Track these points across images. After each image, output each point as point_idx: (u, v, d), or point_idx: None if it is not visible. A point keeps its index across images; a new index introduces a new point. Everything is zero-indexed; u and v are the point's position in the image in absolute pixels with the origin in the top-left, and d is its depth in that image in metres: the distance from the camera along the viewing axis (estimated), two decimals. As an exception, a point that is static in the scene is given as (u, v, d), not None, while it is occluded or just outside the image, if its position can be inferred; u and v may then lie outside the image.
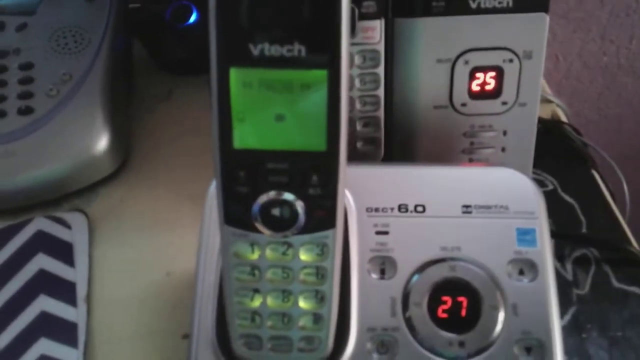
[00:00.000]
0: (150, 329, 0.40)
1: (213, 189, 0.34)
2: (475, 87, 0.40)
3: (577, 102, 0.82)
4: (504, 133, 0.41)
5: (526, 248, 0.32)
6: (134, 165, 0.51)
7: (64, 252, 0.43)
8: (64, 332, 0.39)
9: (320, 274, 0.28)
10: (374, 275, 0.32)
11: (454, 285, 0.32)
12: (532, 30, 0.38)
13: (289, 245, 0.27)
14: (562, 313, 0.36)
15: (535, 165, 0.43)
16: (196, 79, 0.56)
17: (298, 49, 0.24)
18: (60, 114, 0.47)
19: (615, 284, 0.42)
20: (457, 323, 0.31)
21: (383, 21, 0.39)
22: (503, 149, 0.42)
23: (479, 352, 0.31)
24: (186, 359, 0.32)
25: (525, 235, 0.32)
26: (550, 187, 0.48)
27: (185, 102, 0.56)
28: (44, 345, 0.38)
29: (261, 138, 0.25)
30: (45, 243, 0.43)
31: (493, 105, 0.40)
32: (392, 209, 0.33)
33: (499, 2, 0.38)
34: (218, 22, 0.24)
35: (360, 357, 0.31)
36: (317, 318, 0.29)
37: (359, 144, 0.42)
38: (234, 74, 0.24)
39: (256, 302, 0.29)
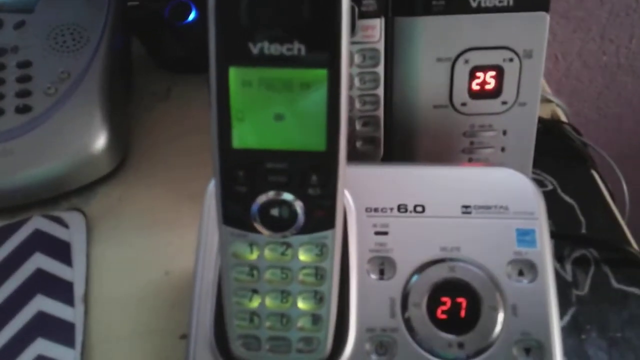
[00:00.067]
0: (148, 329, 0.40)
1: (212, 188, 0.34)
2: (475, 86, 0.40)
3: (577, 102, 0.82)
4: (504, 133, 0.41)
5: (526, 249, 0.32)
6: (133, 164, 0.50)
7: (61, 251, 0.43)
8: (61, 332, 0.39)
9: (319, 274, 0.28)
10: (373, 276, 0.32)
11: (453, 285, 0.32)
12: (533, 30, 0.38)
13: (288, 245, 0.27)
14: (562, 314, 0.36)
15: (534, 165, 0.43)
16: (195, 77, 0.56)
17: (298, 48, 0.23)
18: (58, 112, 0.47)
19: (615, 284, 0.42)
20: (456, 324, 0.31)
21: (383, 20, 0.39)
22: (503, 149, 0.41)
23: (478, 353, 0.31)
24: (184, 359, 0.32)
25: (525, 236, 0.32)
26: (550, 187, 0.48)
27: (184, 100, 0.55)
28: (41, 345, 0.38)
29: (260, 137, 0.25)
30: (43, 242, 0.43)
31: (493, 104, 0.40)
32: (391, 209, 0.33)
33: (500, 1, 0.37)
34: (217, 21, 0.23)
35: (359, 357, 0.31)
36: (316, 319, 0.29)
37: (358, 144, 0.42)
38: (234, 73, 0.24)
39: (255, 303, 0.29)
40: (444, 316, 0.31)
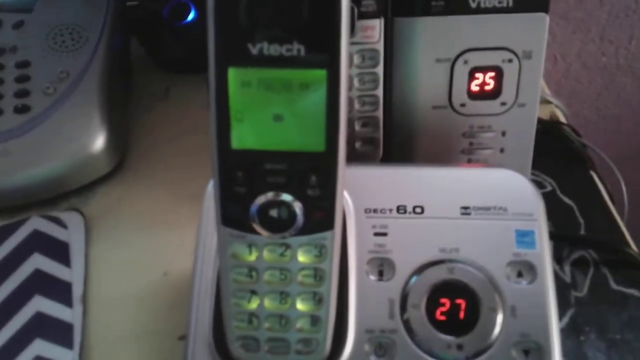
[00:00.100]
0: (146, 329, 0.40)
1: (211, 189, 0.33)
2: (474, 87, 0.40)
3: (576, 103, 0.82)
4: (503, 134, 0.41)
5: (525, 250, 0.32)
6: (132, 164, 0.50)
7: (59, 252, 0.43)
8: (59, 332, 0.39)
9: (318, 275, 0.28)
10: (372, 277, 0.32)
11: (452, 287, 0.31)
12: (532, 31, 0.38)
13: (287, 246, 0.27)
14: (561, 315, 0.36)
15: (534, 166, 0.43)
16: (194, 77, 0.56)
17: (297, 49, 0.23)
18: (57, 112, 0.47)
19: (614, 286, 0.42)
20: (455, 325, 0.31)
21: (382, 20, 0.39)
22: (502, 150, 0.41)
23: (477, 354, 0.31)
24: (183, 360, 0.32)
25: (524, 237, 0.32)
26: (549, 188, 0.48)
27: (183, 100, 0.55)
28: (39, 346, 0.38)
29: (259, 138, 0.25)
30: (41, 243, 0.43)
31: (492, 105, 0.40)
32: (390, 210, 0.33)
33: (499, 2, 0.37)
34: (216, 21, 0.23)
35: (358, 359, 0.31)
36: (315, 320, 0.29)
37: (357, 144, 0.42)
38: (233, 73, 0.24)
39: (253, 304, 0.29)
40: (443, 317, 0.31)
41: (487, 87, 0.40)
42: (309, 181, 0.26)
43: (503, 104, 0.40)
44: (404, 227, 0.33)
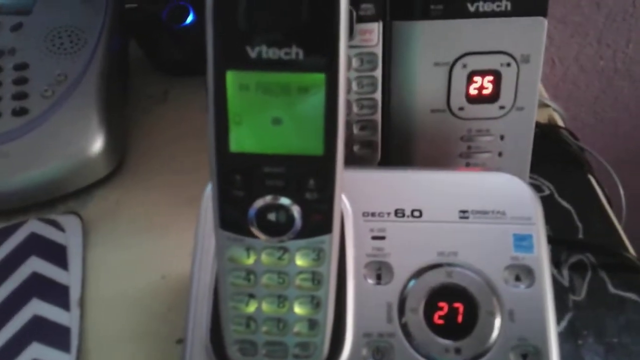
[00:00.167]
0: (144, 333, 0.40)
1: (209, 192, 0.33)
2: (472, 91, 0.40)
3: (574, 106, 0.82)
4: (501, 137, 0.41)
5: (523, 254, 0.32)
6: (130, 167, 0.50)
7: (57, 255, 0.43)
8: (56, 336, 0.39)
9: (316, 279, 0.28)
10: (370, 281, 0.32)
11: (450, 291, 0.31)
12: (530, 34, 0.38)
13: (285, 250, 0.27)
14: (559, 319, 0.36)
15: (532, 170, 0.43)
16: (192, 80, 0.56)
17: (296, 52, 0.23)
18: (55, 115, 0.47)
19: (612, 290, 0.42)
20: (453, 329, 0.31)
21: (381, 24, 0.39)
22: (500, 154, 0.41)
23: (475, 358, 0.31)
24: (180, 363, 0.32)
25: (522, 241, 0.32)
26: (547, 192, 0.48)
27: (181, 103, 0.55)
28: (36, 349, 0.38)
29: (258, 141, 0.25)
30: (39, 246, 0.43)
31: (490, 109, 0.40)
32: (388, 213, 0.33)
33: (497, 6, 0.37)
34: (215, 24, 0.23)
35: (355, 363, 0.31)
36: (313, 324, 0.29)
37: (355, 148, 0.42)
38: (231, 76, 0.24)
39: (251, 308, 0.29)
40: (441, 321, 0.31)
41: (485, 91, 0.40)
42: (307, 185, 0.26)
43: (501, 107, 0.40)
44: (402, 230, 0.32)
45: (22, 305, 0.40)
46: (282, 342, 0.29)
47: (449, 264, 0.32)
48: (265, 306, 0.29)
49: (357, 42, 0.39)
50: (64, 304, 0.40)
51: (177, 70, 0.57)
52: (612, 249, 0.44)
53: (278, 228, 0.26)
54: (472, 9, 0.38)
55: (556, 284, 0.41)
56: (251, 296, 0.28)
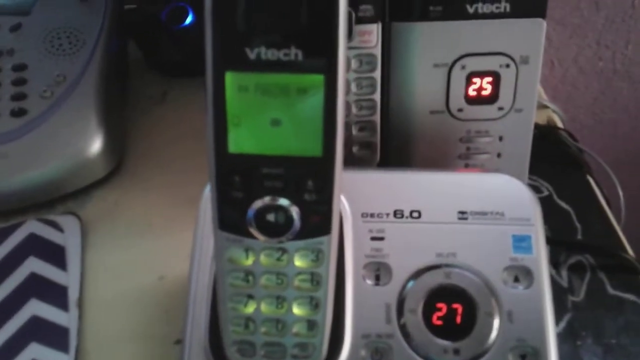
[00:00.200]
0: (142, 334, 0.39)
1: (207, 193, 0.33)
2: (471, 92, 0.40)
3: (573, 108, 0.82)
4: (500, 139, 0.41)
5: (522, 255, 0.32)
6: (129, 168, 0.50)
7: (56, 255, 0.43)
8: (55, 336, 0.39)
9: (315, 280, 0.28)
10: (369, 281, 0.32)
11: (449, 292, 0.31)
12: (529, 36, 0.38)
13: (284, 251, 0.27)
14: (557, 320, 0.36)
15: (530, 171, 0.43)
16: (191, 81, 0.56)
17: (295, 53, 0.23)
18: (54, 115, 0.47)
19: (610, 291, 0.42)
20: (452, 330, 0.31)
21: (380, 25, 0.39)
22: (499, 155, 0.41)
23: (473, 359, 0.31)
24: (179, 364, 0.32)
25: (521, 242, 0.32)
26: (546, 193, 0.48)
27: (180, 104, 0.55)
28: (34, 350, 0.38)
29: (257, 143, 0.25)
30: (37, 246, 0.43)
31: (489, 110, 0.40)
32: (387, 214, 0.33)
33: (497, 8, 0.37)
34: (214, 25, 0.23)
35: (354, 364, 0.31)
36: (312, 324, 0.29)
37: (354, 149, 0.42)
38: (230, 77, 0.24)
39: (250, 308, 0.29)
40: (439, 322, 0.31)
41: (484, 92, 0.40)
42: (306, 186, 0.26)
43: (500, 109, 0.40)
44: (400, 231, 0.33)
45: (21, 305, 0.40)
46: (281, 342, 0.29)
47: (448, 265, 0.32)
48: (264, 307, 0.29)
49: (356, 43, 0.39)
50: (63, 305, 0.40)
51: (176, 71, 0.57)
52: (611, 250, 0.44)
53: (277, 229, 0.26)
54: (471, 10, 0.38)
55: (555, 284, 0.41)
56: (250, 297, 0.28)
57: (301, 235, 0.27)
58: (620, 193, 0.53)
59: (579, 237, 0.45)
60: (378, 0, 0.38)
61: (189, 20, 0.53)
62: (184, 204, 0.46)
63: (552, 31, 0.74)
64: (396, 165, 0.42)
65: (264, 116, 0.25)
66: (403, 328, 0.31)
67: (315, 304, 0.29)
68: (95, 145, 0.47)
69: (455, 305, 0.31)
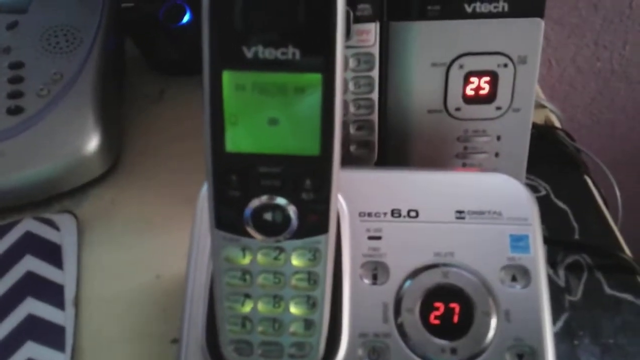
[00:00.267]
0: (139, 333, 0.39)
1: (205, 191, 0.33)
2: (469, 91, 0.40)
3: (570, 107, 0.82)
4: (498, 138, 0.41)
5: (519, 254, 0.32)
6: (125, 166, 0.50)
7: (52, 254, 0.42)
8: (51, 335, 0.38)
9: (312, 279, 0.28)
10: (366, 281, 0.32)
11: (446, 291, 0.31)
12: (527, 36, 0.38)
13: (281, 250, 0.27)
14: (555, 319, 0.36)
15: (528, 171, 0.43)
16: (189, 79, 0.56)
17: (292, 52, 0.23)
18: (50, 113, 0.47)
19: (608, 290, 0.42)
20: (449, 329, 0.31)
21: (378, 24, 0.39)
22: (497, 154, 0.41)
23: (471, 358, 0.31)
24: (175, 364, 0.31)
25: (519, 242, 0.32)
26: (543, 192, 0.48)
27: (177, 103, 0.55)
28: (30, 348, 0.38)
29: (254, 141, 0.25)
30: (34, 245, 0.43)
31: (487, 110, 0.40)
32: (385, 213, 0.33)
33: (495, 7, 0.37)
34: (211, 24, 0.23)
35: (351, 363, 0.31)
36: (309, 324, 0.29)
37: (352, 148, 0.42)
38: (227, 76, 0.24)
39: (247, 308, 0.29)
40: (437, 322, 0.31)
41: (482, 92, 0.40)
42: (304, 185, 0.26)
43: (498, 108, 0.40)
44: (398, 230, 0.32)
45: (17, 304, 0.40)
46: (278, 342, 0.29)
47: (445, 264, 0.32)
48: (261, 306, 0.29)
49: (354, 42, 0.39)
50: (59, 303, 0.40)
51: (174, 69, 0.57)
52: (608, 249, 0.44)
53: (274, 228, 0.26)
54: (469, 9, 0.38)
55: (552, 284, 0.41)
56: (247, 296, 0.28)
57: (298, 234, 0.27)
58: (618, 193, 0.53)
59: (577, 236, 0.46)
60: (376, -1, 0.38)
61: (186, 18, 0.53)
62: (181, 202, 0.45)
63: (550, 31, 0.74)
64: (394, 165, 0.42)
65: (262, 115, 0.24)
66: (400, 327, 0.31)
67: (312, 303, 0.29)
68: (92, 143, 0.47)
69: (452, 305, 0.31)
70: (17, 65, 0.49)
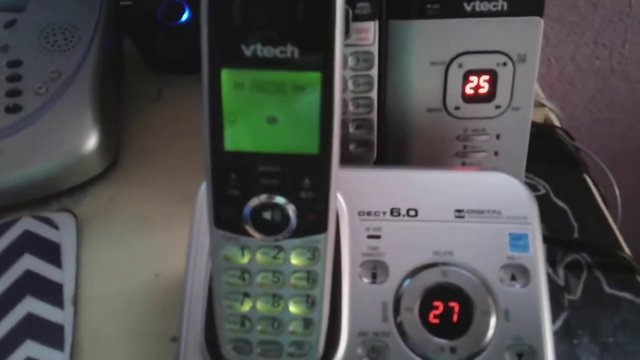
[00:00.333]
0: (138, 331, 0.39)
1: (203, 190, 0.33)
2: (468, 90, 0.40)
3: (569, 106, 0.82)
4: (497, 137, 0.41)
5: (518, 253, 0.32)
6: (124, 165, 0.50)
7: (51, 252, 0.42)
8: (50, 334, 0.38)
9: (311, 278, 0.28)
10: (366, 280, 0.32)
11: (445, 290, 0.31)
12: (527, 34, 0.38)
13: (280, 249, 0.27)
14: (554, 318, 0.36)
15: (527, 170, 0.43)
16: (187, 78, 0.56)
17: (291, 51, 0.23)
18: (49, 112, 0.47)
19: (607, 289, 0.42)
20: (448, 328, 0.31)
21: (377, 23, 0.39)
22: (496, 153, 0.41)
23: (470, 357, 0.31)
24: (174, 362, 0.31)
25: (518, 241, 0.32)
26: (543, 191, 0.48)
27: (175, 101, 0.55)
28: (29, 347, 0.38)
29: (253, 140, 0.25)
30: (32, 243, 0.43)
31: (486, 108, 0.40)
32: (384, 212, 0.33)
33: (494, 6, 0.37)
34: (210, 22, 0.23)
35: (350, 362, 0.31)
36: (308, 323, 0.29)
37: (351, 146, 0.42)
38: (226, 74, 0.24)
39: (246, 306, 0.29)
40: (436, 321, 0.31)
41: (481, 91, 0.40)
42: (303, 184, 0.26)
43: (497, 107, 0.40)
44: (397, 229, 0.32)
45: (16, 303, 0.39)
46: (277, 341, 0.29)
47: (445, 263, 0.32)
48: (260, 305, 0.28)
49: (353, 40, 0.39)
50: (58, 302, 0.40)
51: (172, 68, 0.57)
52: (608, 248, 0.44)
53: (273, 227, 0.26)
54: (468, 8, 0.37)
55: (552, 283, 0.41)
56: (246, 295, 0.28)
57: (297, 233, 0.26)
58: (617, 192, 0.53)
59: (576, 235, 0.45)
60: (375, -3, 0.38)
61: (185, 17, 0.53)
62: (180, 201, 0.45)
63: (550, 29, 0.74)
64: (393, 163, 0.42)
65: (260, 113, 0.24)
66: (399, 326, 0.31)
67: (311, 302, 0.28)
68: (91, 141, 0.46)
69: (451, 304, 0.31)
70: (15, 64, 0.49)
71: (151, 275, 0.42)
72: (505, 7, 0.37)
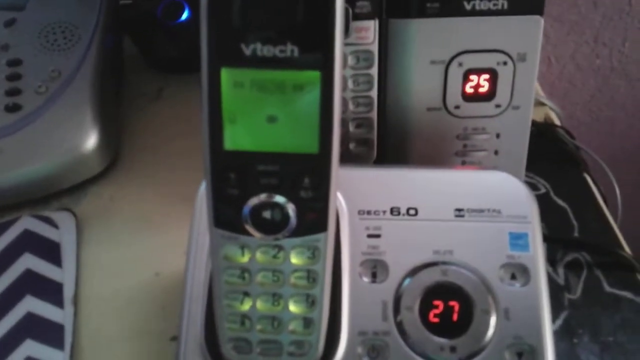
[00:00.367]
0: (138, 330, 0.39)
1: (203, 190, 0.33)
2: (469, 89, 0.40)
3: (569, 105, 0.82)
4: (497, 136, 0.41)
5: (518, 252, 0.32)
6: (124, 164, 0.50)
7: (51, 252, 0.42)
8: (50, 333, 0.38)
9: (311, 277, 0.28)
10: (366, 279, 0.32)
11: (445, 289, 0.31)
12: (527, 33, 0.38)
13: (280, 248, 0.27)
14: (554, 318, 0.36)
15: (527, 169, 0.43)
16: (187, 77, 0.55)
17: (291, 50, 0.23)
18: (48, 111, 0.47)
19: (607, 288, 0.42)
20: (448, 327, 0.31)
21: (377, 22, 0.39)
22: (496, 152, 0.41)
23: (470, 357, 0.31)
24: (174, 362, 0.31)
25: (518, 240, 0.32)
26: (543, 190, 0.48)
27: (175, 100, 0.55)
28: (29, 347, 0.38)
29: (252, 139, 0.25)
30: (32, 243, 0.43)
31: (487, 107, 0.40)
32: (384, 211, 0.33)
33: (494, 4, 0.37)
34: (210, 21, 0.23)
35: (350, 361, 0.31)
36: (308, 322, 0.29)
37: (351, 145, 0.42)
38: (225, 74, 0.24)
39: (246, 306, 0.29)
40: (436, 320, 0.31)
41: (481, 89, 0.40)
42: (302, 183, 0.26)
43: (497, 106, 0.40)
44: (397, 228, 0.32)
45: (16, 302, 0.39)
46: (277, 340, 0.29)
47: (445, 263, 0.32)
48: (260, 304, 0.28)
49: (353, 39, 0.39)
50: (58, 301, 0.40)
51: (172, 67, 0.57)
52: (608, 247, 0.44)
53: (273, 226, 0.26)
54: (468, 7, 0.37)
55: (552, 282, 0.41)
56: (246, 294, 0.28)
57: (297, 232, 0.26)
58: (617, 190, 0.53)
59: (576, 234, 0.45)
60: (375, -4, 0.38)
61: (184, 16, 0.53)
62: (180, 200, 0.45)
63: (550, 28, 0.74)
64: (393, 163, 0.42)
65: (260, 113, 0.24)
66: (399, 325, 0.31)
67: (311, 302, 0.28)
68: (91, 140, 0.46)
69: (451, 303, 0.31)
70: (15, 63, 0.49)
71: (151, 275, 0.42)
72: (506, 6, 0.37)
